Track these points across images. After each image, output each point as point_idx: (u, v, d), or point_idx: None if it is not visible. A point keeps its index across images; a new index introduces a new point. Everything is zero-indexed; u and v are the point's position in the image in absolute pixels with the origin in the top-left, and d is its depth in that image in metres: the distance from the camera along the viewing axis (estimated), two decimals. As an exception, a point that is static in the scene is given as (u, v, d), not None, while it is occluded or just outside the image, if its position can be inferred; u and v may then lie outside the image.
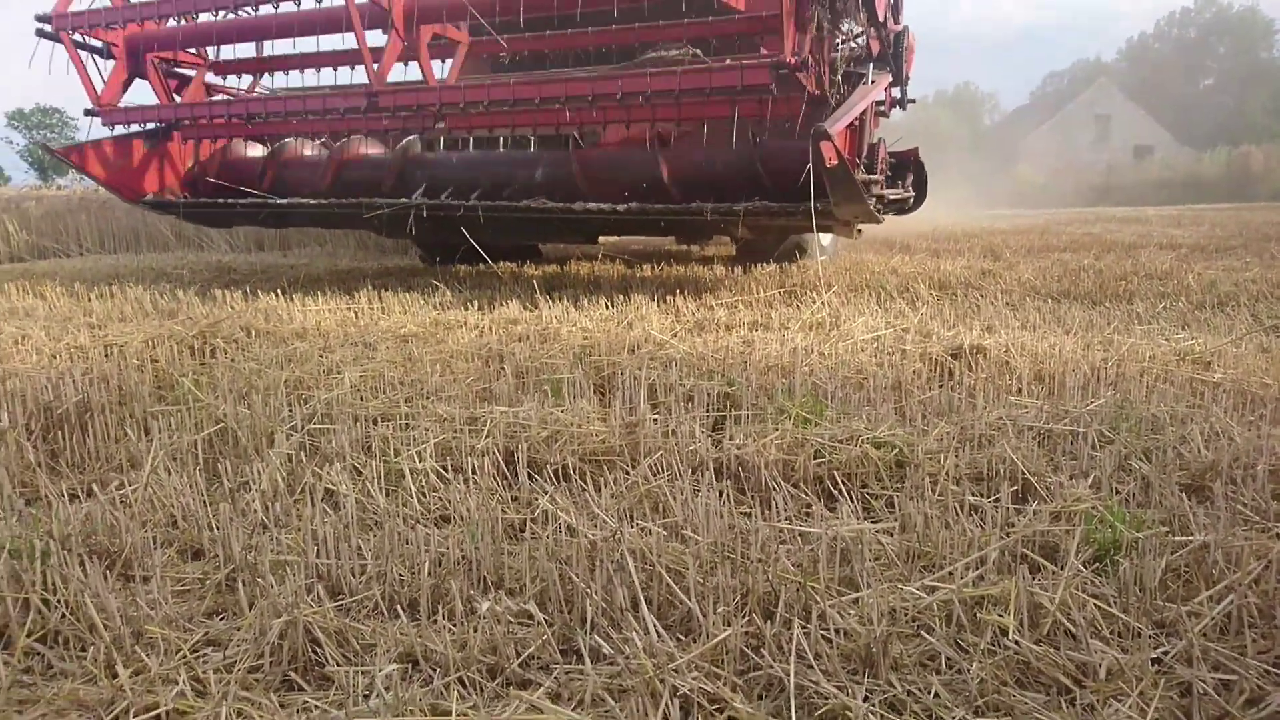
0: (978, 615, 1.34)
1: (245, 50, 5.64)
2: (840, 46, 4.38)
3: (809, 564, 1.52)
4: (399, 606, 1.45)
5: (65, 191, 11.96)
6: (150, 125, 5.67)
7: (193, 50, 5.67)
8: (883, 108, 5.22)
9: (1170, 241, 7.47)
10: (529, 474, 2.04)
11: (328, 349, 3.30)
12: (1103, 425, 2.17)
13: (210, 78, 5.94)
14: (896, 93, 5.31)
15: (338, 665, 1.29)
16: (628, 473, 2.01)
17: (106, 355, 3.31)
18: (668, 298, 4.56)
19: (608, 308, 4.30)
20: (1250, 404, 2.40)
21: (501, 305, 4.38)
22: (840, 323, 3.70)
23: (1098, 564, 1.52)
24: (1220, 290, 4.41)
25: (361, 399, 2.60)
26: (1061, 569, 1.46)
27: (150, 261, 8.24)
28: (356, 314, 4.23)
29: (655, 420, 2.30)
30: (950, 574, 1.47)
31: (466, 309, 4.33)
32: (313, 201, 5.28)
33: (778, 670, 1.23)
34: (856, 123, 4.23)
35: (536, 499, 1.85)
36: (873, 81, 4.43)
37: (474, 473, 2.01)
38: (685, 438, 2.17)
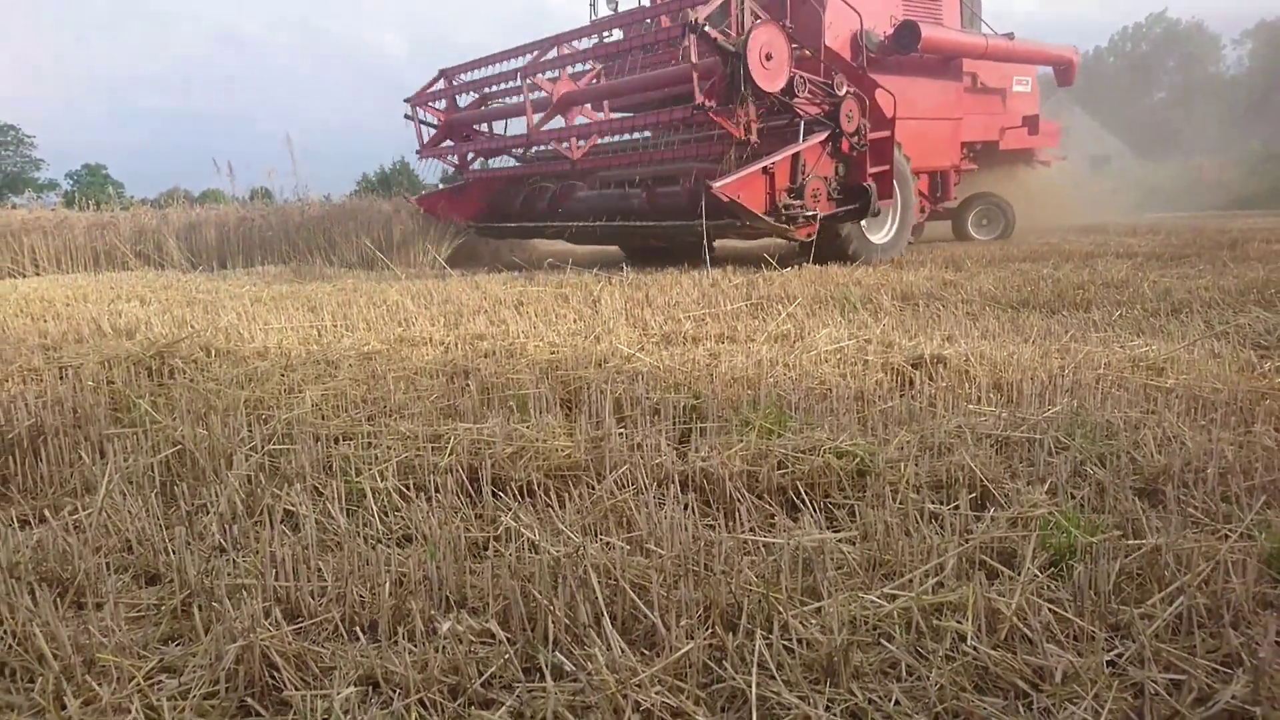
0: (937, 622, 1.36)
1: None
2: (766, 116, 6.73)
3: (772, 574, 1.53)
4: (359, 628, 1.43)
5: (21, 211, 11.71)
6: (457, 184, 9.87)
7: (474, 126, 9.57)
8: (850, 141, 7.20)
9: (1126, 250, 7.64)
10: (493, 491, 2.03)
11: (289, 368, 3.26)
12: (1059, 432, 2.21)
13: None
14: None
15: (296, 689, 1.27)
16: (593, 487, 2.00)
17: (61, 377, 3.24)
18: (635, 311, 4.57)
19: (576, 322, 4.30)
20: (1201, 408, 2.46)
21: (468, 321, 4.36)
22: (805, 334, 3.73)
23: (1053, 568, 1.55)
24: (1174, 298, 4.51)
25: (323, 418, 2.57)
26: (1018, 574, 1.48)
27: (109, 281, 8.09)
28: (319, 332, 4.19)
29: (621, 434, 2.30)
30: (910, 582, 1.49)
31: (432, 325, 4.30)
32: (513, 224, 9.19)
33: (740, 682, 1.23)
34: (772, 168, 6.60)
35: (500, 516, 1.84)
36: (805, 139, 6.76)
37: (437, 491, 1.99)
38: (651, 451, 2.17)
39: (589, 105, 8.41)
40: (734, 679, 1.24)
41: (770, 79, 6.37)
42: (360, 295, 5.83)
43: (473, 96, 9.34)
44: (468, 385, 2.92)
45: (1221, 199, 16.89)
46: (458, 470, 2.12)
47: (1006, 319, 4.09)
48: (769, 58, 6.32)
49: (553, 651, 1.33)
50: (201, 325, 4.36)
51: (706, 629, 1.38)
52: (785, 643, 1.32)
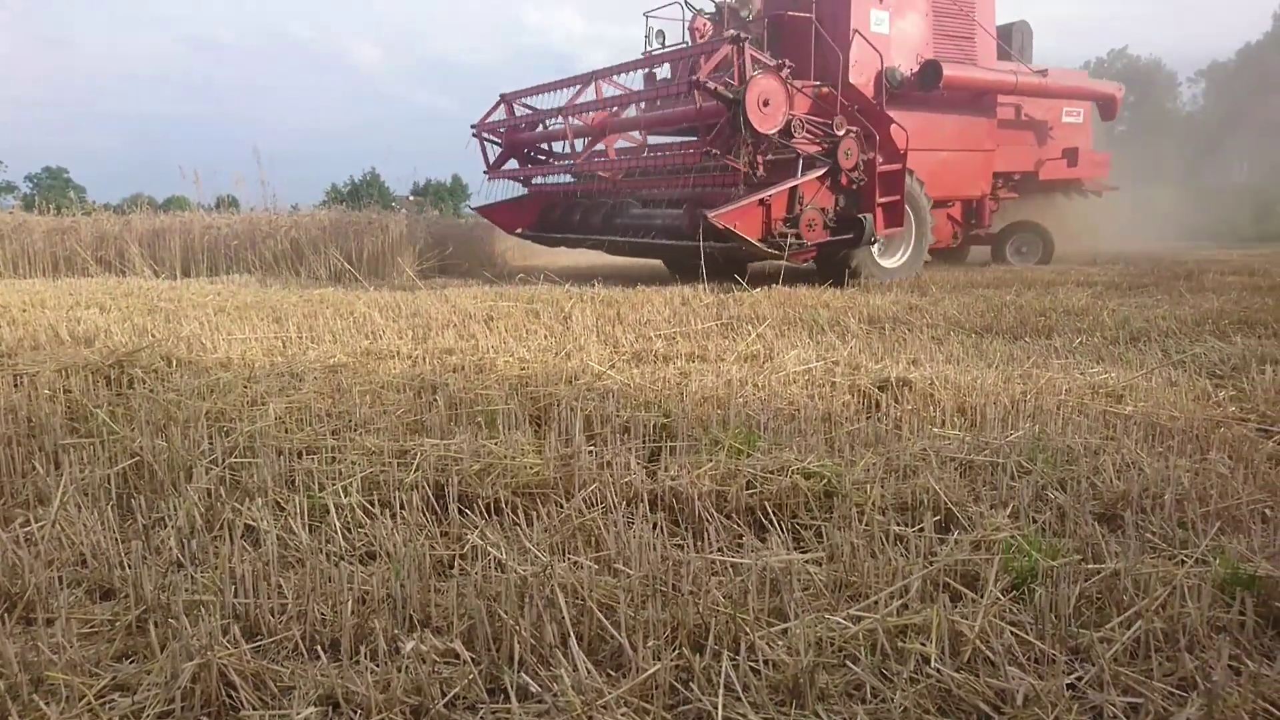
0: (901, 644, 1.37)
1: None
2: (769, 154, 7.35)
3: (739, 595, 1.53)
4: (320, 647, 1.41)
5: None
6: (517, 195, 10.45)
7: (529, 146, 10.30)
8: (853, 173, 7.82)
9: (1086, 279, 7.81)
10: (460, 508, 2.01)
11: (253, 379, 3.21)
12: (1021, 456, 2.25)
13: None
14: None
15: (253, 709, 1.24)
16: (561, 506, 1.99)
17: (15, 385, 3.16)
18: (607, 329, 4.58)
19: (546, 338, 4.29)
20: (1159, 435, 2.52)
21: (436, 335, 4.33)
22: (774, 355, 3.76)
23: (1015, 591, 1.57)
24: (1133, 326, 4.62)
25: (286, 431, 2.53)
26: (981, 597, 1.50)
27: (68, 287, 7.92)
28: (284, 343, 4.13)
29: (591, 452, 2.29)
30: (875, 603, 1.50)
31: (400, 339, 4.27)
32: (560, 235, 9.99)
33: (706, 704, 1.23)
34: (769, 199, 7.31)
35: (466, 534, 1.82)
36: (802, 174, 7.41)
37: (402, 507, 1.97)
38: (620, 469, 2.17)
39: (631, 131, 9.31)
40: (700, 700, 1.24)
41: (767, 122, 7.02)
42: (327, 307, 5.77)
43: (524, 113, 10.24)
44: (435, 400, 2.89)
45: (1180, 229, 17.41)
46: (424, 487, 2.09)
47: (970, 344, 4.16)
48: (766, 103, 6.98)
49: (518, 672, 1.32)
50: (163, 334, 4.28)
51: (673, 650, 1.37)
52: (752, 664, 1.32)
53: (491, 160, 10.27)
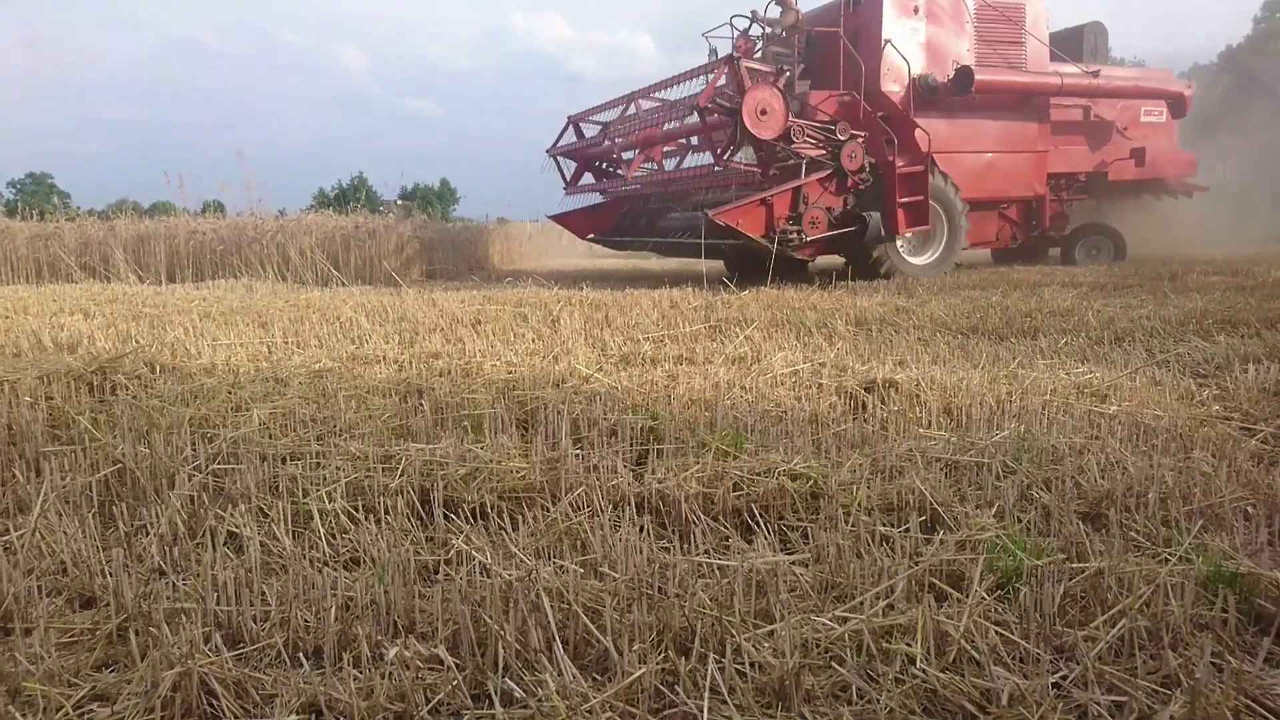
0: (887, 645, 1.37)
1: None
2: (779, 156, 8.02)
3: (725, 597, 1.52)
4: (302, 654, 1.39)
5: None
6: (591, 203, 11.56)
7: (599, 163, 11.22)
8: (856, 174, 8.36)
9: (1072, 280, 7.86)
10: (445, 513, 2.00)
11: (237, 385, 3.19)
12: (1006, 456, 2.25)
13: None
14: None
15: (235, 718, 1.23)
16: (548, 510, 1.99)
17: (-4, 392, 3.12)
18: (595, 332, 4.57)
19: (534, 341, 4.28)
20: (1143, 434, 2.53)
21: (423, 340, 4.31)
22: (761, 357, 3.76)
23: (1000, 591, 1.57)
24: (1117, 326, 4.65)
25: (270, 437, 2.52)
26: (967, 597, 1.50)
27: (51, 293, 7.85)
28: (269, 349, 4.11)
29: (578, 455, 2.28)
30: (861, 604, 1.50)
31: (386, 343, 4.25)
32: (624, 238, 11.17)
33: (692, 707, 1.23)
34: (771, 199, 7.88)
35: (452, 539, 1.81)
36: (805, 176, 8.00)
37: (387, 513, 1.96)
38: (607, 473, 2.16)
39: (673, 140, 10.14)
40: (686, 704, 1.24)
41: (765, 129, 7.58)
42: (313, 312, 5.74)
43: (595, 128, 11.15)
44: (421, 405, 2.88)
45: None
46: (409, 492, 2.08)
47: (956, 345, 4.17)
48: (764, 113, 7.54)
49: (502, 677, 1.31)
50: (147, 340, 4.25)
51: (659, 653, 1.37)
52: (738, 666, 1.32)
53: (569, 177, 11.28)
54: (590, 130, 10.80)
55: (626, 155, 10.13)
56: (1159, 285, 7.02)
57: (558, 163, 11.30)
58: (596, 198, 11.59)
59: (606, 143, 10.07)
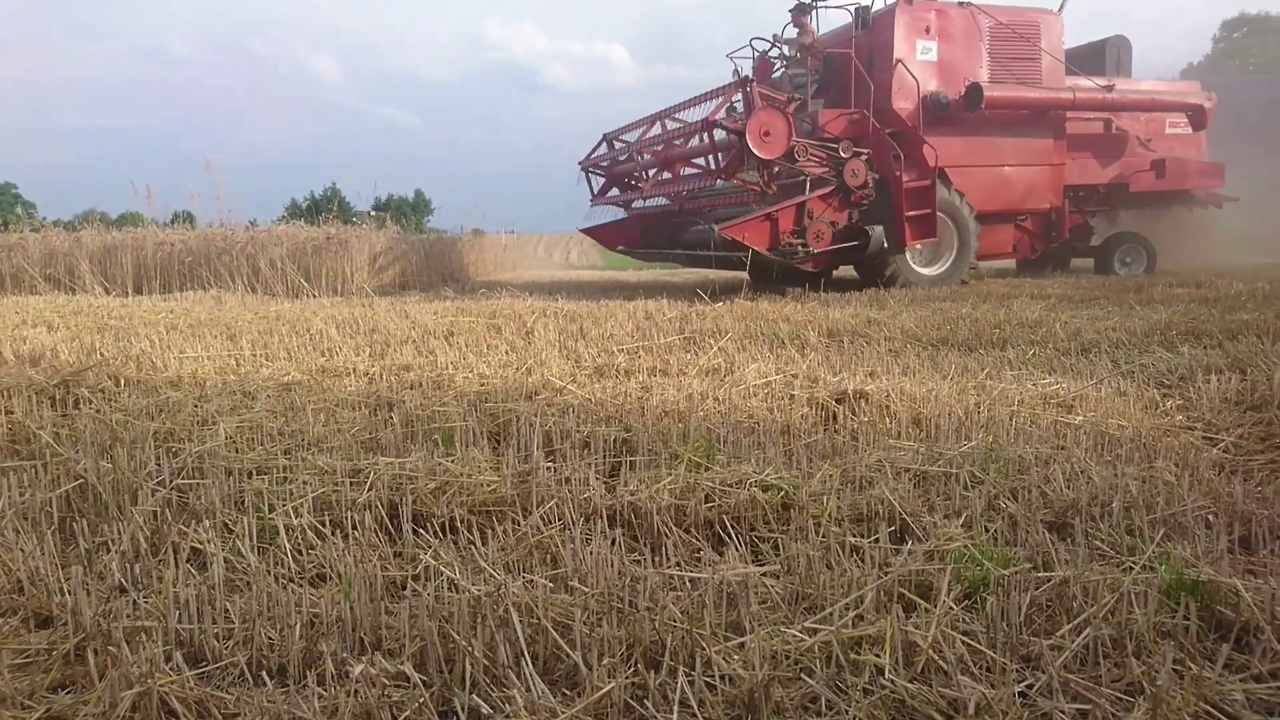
0: (856, 656, 1.37)
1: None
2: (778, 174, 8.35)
3: (696, 610, 1.52)
4: (266, 672, 1.37)
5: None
6: (615, 217, 12.09)
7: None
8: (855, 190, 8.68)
9: (1040, 292, 7.98)
10: (413, 528, 1.98)
11: (204, 398, 3.14)
12: (974, 466, 2.28)
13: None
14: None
15: (195, 739, 1.20)
16: (518, 523, 1.97)
17: (-47, 407, 3.05)
18: (569, 343, 4.56)
19: (507, 353, 4.27)
20: (1108, 444, 2.57)
21: (395, 351, 4.28)
22: (735, 368, 3.78)
23: (968, 600, 1.58)
24: (1084, 338, 4.72)
25: (237, 451, 2.48)
26: (934, 607, 1.51)
27: (14, 305, 7.70)
28: (237, 361, 4.05)
29: (550, 468, 2.27)
30: (830, 615, 1.50)
31: (357, 355, 4.21)
32: (647, 250, 11.71)
33: (661, 721, 1.22)
34: (776, 214, 8.23)
35: (420, 554, 1.80)
36: (809, 191, 8.34)
37: (354, 528, 1.94)
38: (580, 485, 2.15)
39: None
40: (655, 718, 1.23)
41: (768, 149, 7.92)
42: (283, 324, 5.67)
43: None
44: (391, 417, 2.85)
45: None
46: (377, 506, 2.06)
47: (926, 356, 4.22)
48: (767, 134, 7.89)
49: (470, 694, 1.30)
50: (112, 353, 4.18)
51: (629, 667, 1.36)
52: (707, 679, 1.32)
53: (596, 190, 11.65)
54: (618, 145, 11.31)
55: (650, 171, 10.48)
56: (1125, 297, 7.15)
57: (588, 176, 11.73)
58: (618, 210, 11.92)
59: (632, 159, 10.47)
